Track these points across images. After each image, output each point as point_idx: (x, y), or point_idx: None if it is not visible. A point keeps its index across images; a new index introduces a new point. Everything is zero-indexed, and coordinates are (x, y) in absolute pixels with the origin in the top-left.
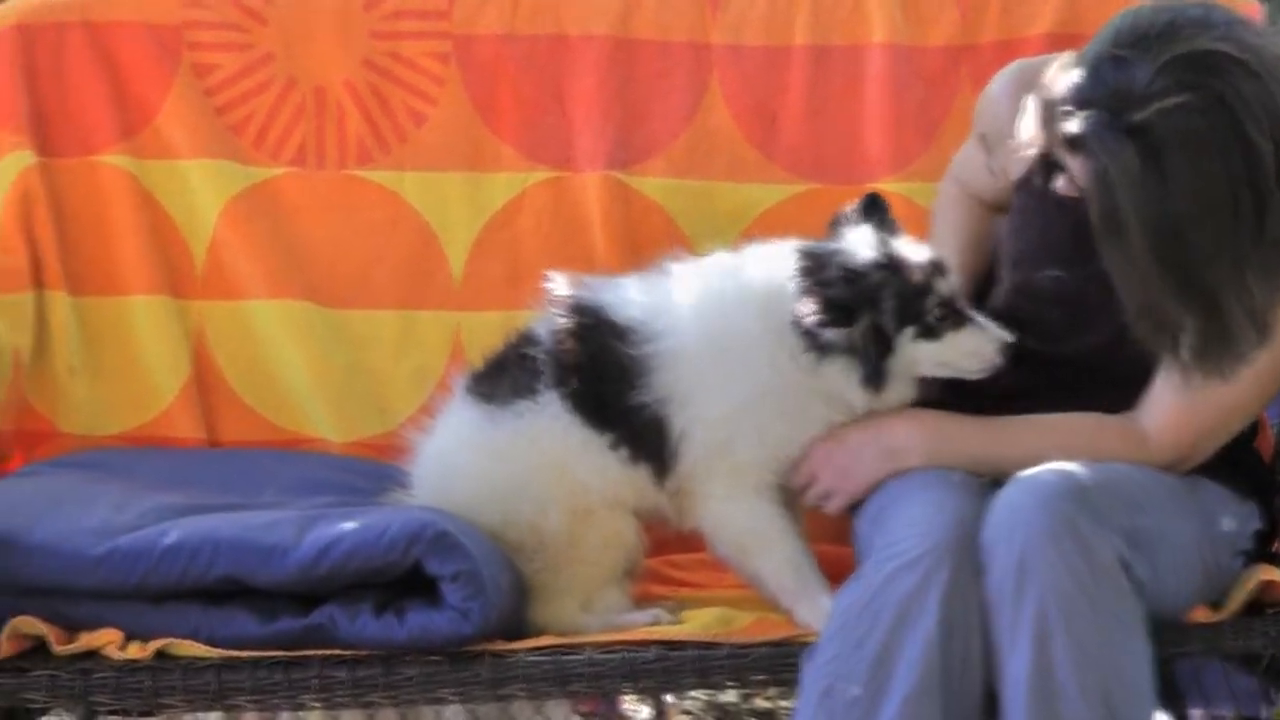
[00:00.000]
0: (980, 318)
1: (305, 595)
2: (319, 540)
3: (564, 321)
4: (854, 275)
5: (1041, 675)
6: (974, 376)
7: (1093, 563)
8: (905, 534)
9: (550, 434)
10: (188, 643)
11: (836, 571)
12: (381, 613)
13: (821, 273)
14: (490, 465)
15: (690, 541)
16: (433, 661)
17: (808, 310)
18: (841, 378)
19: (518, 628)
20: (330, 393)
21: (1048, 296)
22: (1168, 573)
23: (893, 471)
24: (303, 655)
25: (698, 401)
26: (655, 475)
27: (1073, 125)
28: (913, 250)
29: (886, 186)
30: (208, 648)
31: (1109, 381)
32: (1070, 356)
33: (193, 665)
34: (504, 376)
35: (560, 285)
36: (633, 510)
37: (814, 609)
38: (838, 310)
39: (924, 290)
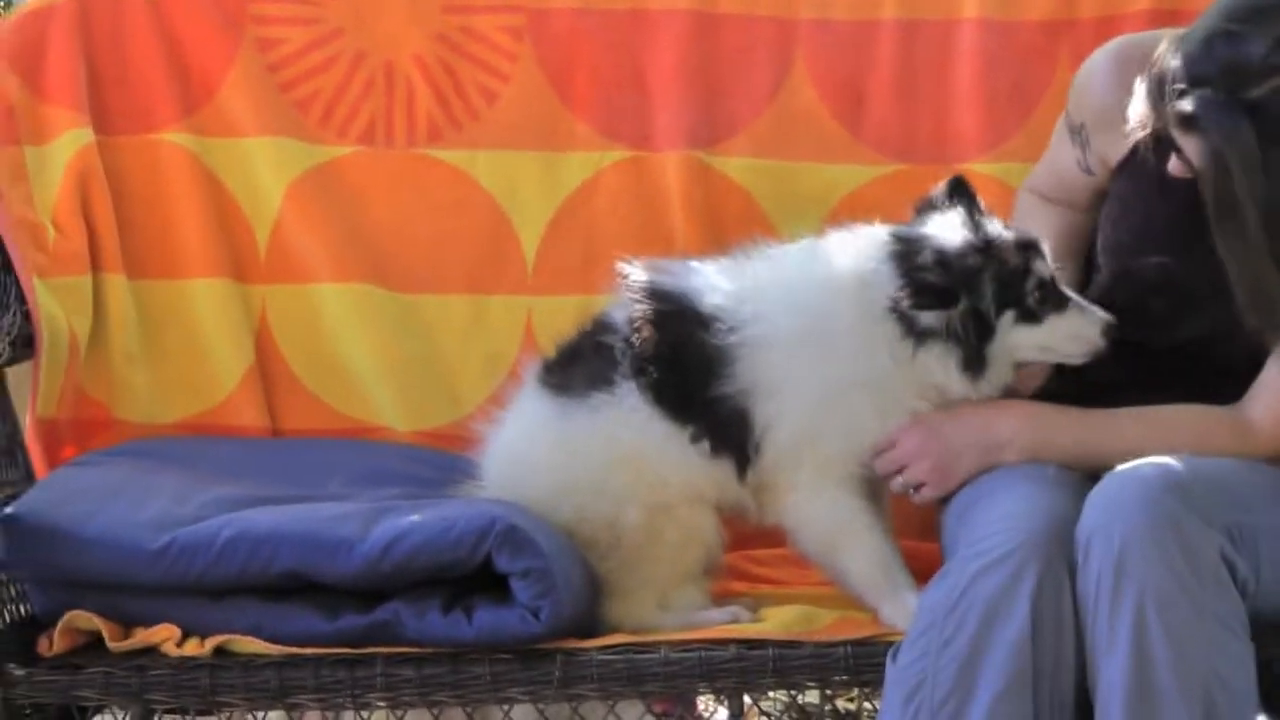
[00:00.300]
0: (1081, 300)
1: (370, 591)
2: (385, 534)
3: (642, 308)
4: (950, 259)
5: (1139, 678)
6: (1075, 361)
7: (1194, 561)
8: (994, 530)
9: (628, 427)
10: (248, 639)
11: (922, 568)
12: (449, 610)
13: (916, 258)
14: (565, 459)
15: (771, 536)
16: (502, 660)
17: (904, 296)
18: (939, 365)
19: (590, 626)
20: (397, 380)
21: (1150, 284)
22: (1272, 572)
23: (991, 466)
24: (367, 653)
25: (785, 392)
26: (737, 469)
27: (1186, 104)
28: (1007, 232)
29: (978, 168)
30: (268, 645)
31: (1212, 372)
32: (1172, 347)
33: (252, 663)
34: (579, 366)
35: (637, 270)
36: (713, 505)
37: (900, 607)
38: (936, 295)
39: (1023, 272)
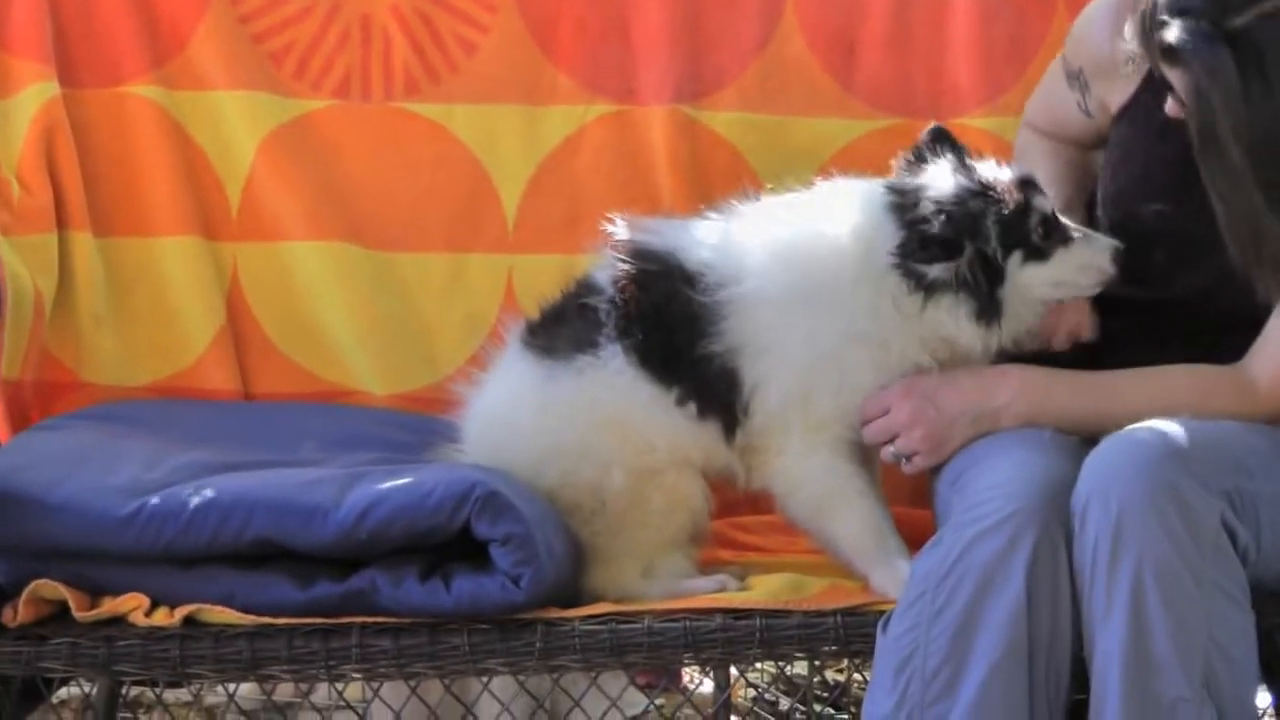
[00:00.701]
0: (1084, 229)
1: (345, 559)
2: (361, 500)
3: (626, 268)
4: (951, 207)
5: (1137, 648)
6: (1090, 293)
7: (1194, 528)
8: (989, 496)
9: (613, 389)
10: (219, 609)
11: (914, 535)
12: (427, 578)
13: (915, 209)
14: (549, 423)
15: (759, 503)
16: (481, 630)
17: (909, 250)
18: (949, 318)
19: (572, 595)
20: (374, 342)
21: (1150, 233)
22: (1273, 538)
23: (986, 433)
24: (342, 623)
25: (776, 350)
26: (725, 431)
27: (1168, 34)
28: (1000, 172)
29: (974, 121)
30: (240, 614)
31: (1213, 329)
32: (1173, 300)
33: (224, 633)
34: (563, 328)
35: (622, 228)
36: (700, 470)
37: (892, 574)
38: (941, 245)
39: (1024, 210)
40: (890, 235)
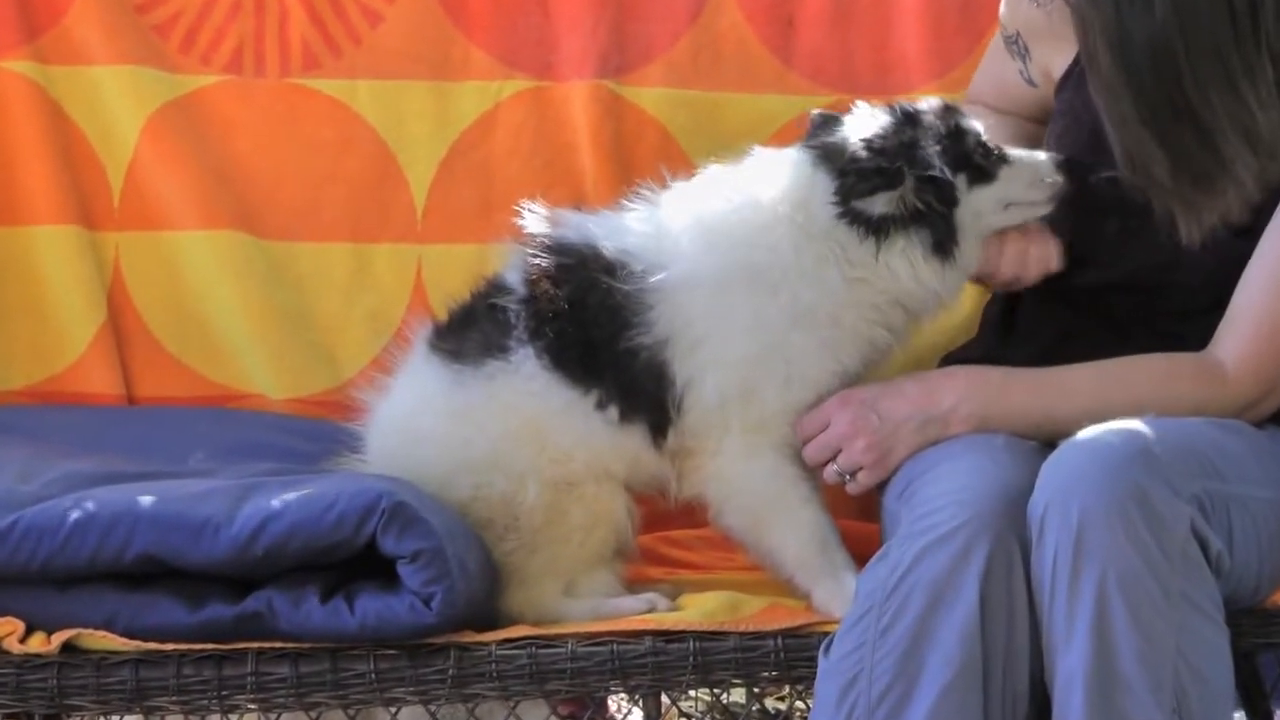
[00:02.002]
0: (1018, 149)
1: (239, 579)
2: (255, 514)
3: (540, 262)
4: (880, 140)
5: (1101, 668)
6: (1043, 210)
7: (1162, 537)
8: (939, 505)
9: (526, 395)
10: (100, 634)
11: (862, 553)
12: (329, 599)
13: (844, 155)
14: (457, 432)
15: (691, 515)
16: (388, 655)
17: (847, 191)
18: (904, 261)
19: (488, 616)
20: (269, 341)
21: (1102, 204)
22: (1248, 549)
23: (934, 440)
24: (236, 648)
25: (713, 340)
26: (651, 436)
27: None
28: (921, 104)
29: (925, 96)
30: (124, 640)
31: (1176, 314)
32: (1129, 282)
33: (106, 660)
34: (471, 330)
35: (536, 219)
36: (624, 481)
37: (838, 590)
38: (880, 174)
39: (957, 132)
40: (825, 186)
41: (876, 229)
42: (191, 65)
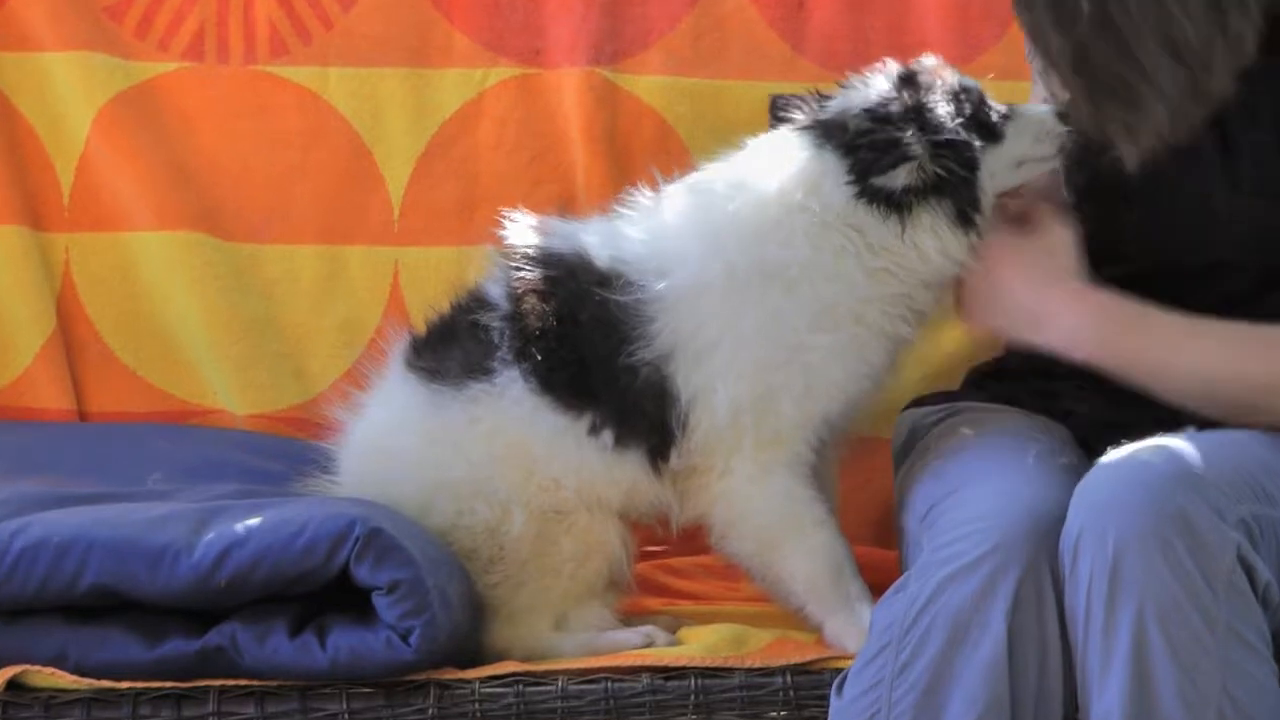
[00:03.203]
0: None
1: (200, 611)
2: (218, 541)
3: (522, 276)
4: (884, 108)
5: (1140, 708)
6: (1050, 165)
7: (1207, 565)
8: (963, 532)
9: (512, 420)
10: (49, 671)
11: (880, 582)
12: (298, 633)
13: (849, 129)
14: (438, 456)
15: (692, 540)
16: (363, 695)
17: (865, 168)
18: (932, 236)
19: (472, 652)
20: (233, 352)
21: (1119, 190)
22: None
23: (1030, 339)
24: (197, 686)
25: (723, 349)
26: (650, 461)
27: None
28: (914, 65)
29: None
30: (74, 678)
31: (1217, 299)
32: (1160, 270)
33: (55, 700)
34: (451, 348)
35: (520, 227)
36: (619, 509)
37: (852, 623)
38: (895, 146)
39: (963, 90)
40: (836, 167)
41: (899, 205)
42: (148, 51)
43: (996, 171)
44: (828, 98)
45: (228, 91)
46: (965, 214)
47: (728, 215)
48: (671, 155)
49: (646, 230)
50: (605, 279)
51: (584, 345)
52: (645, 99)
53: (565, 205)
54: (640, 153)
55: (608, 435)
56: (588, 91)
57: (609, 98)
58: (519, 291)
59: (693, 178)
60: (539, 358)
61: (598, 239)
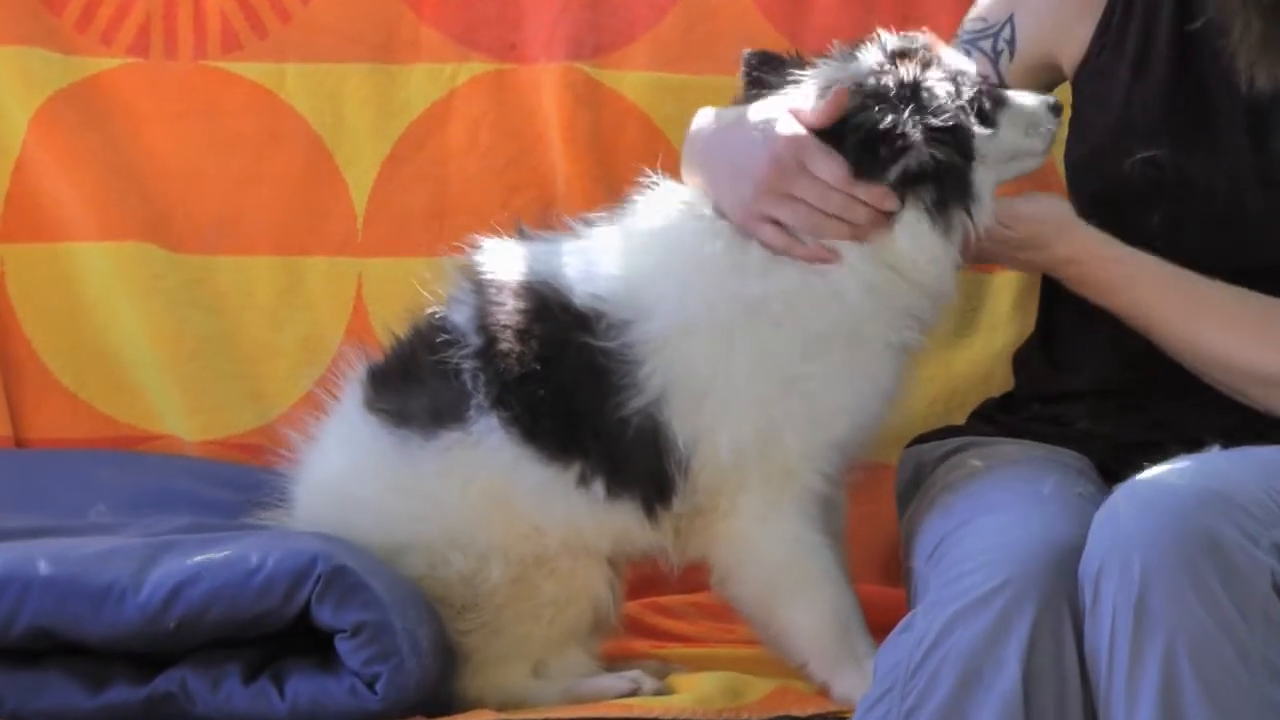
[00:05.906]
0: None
1: (148, 655)
2: (167, 579)
3: (496, 309)
4: (873, 84)
5: None
6: (1040, 161)
7: (1239, 594)
8: (975, 564)
9: (491, 469)
10: None
11: (887, 622)
12: (254, 679)
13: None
14: (405, 507)
15: (685, 577)
16: None
17: (865, 165)
18: (921, 234)
19: (444, 700)
20: (183, 372)
21: (1140, 192)
22: None
23: (1025, 263)
24: None
25: (720, 386)
26: (645, 509)
27: None
28: (893, 41)
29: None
30: None
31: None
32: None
33: None
34: (417, 390)
35: (489, 251)
36: (608, 555)
37: (862, 683)
38: (897, 133)
39: (956, 74)
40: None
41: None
42: (90, 46)
43: (989, 159)
44: (808, 62)
45: (176, 90)
46: (950, 206)
47: (700, 251)
48: (657, 158)
49: (619, 264)
50: (586, 321)
51: (569, 393)
52: (630, 97)
53: (543, 213)
54: (625, 156)
55: (599, 486)
56: (567, 89)
57: (590, 96)
58: (491, 328)
59: (656, 192)
60: (521, 406)
61: (574, 272)
